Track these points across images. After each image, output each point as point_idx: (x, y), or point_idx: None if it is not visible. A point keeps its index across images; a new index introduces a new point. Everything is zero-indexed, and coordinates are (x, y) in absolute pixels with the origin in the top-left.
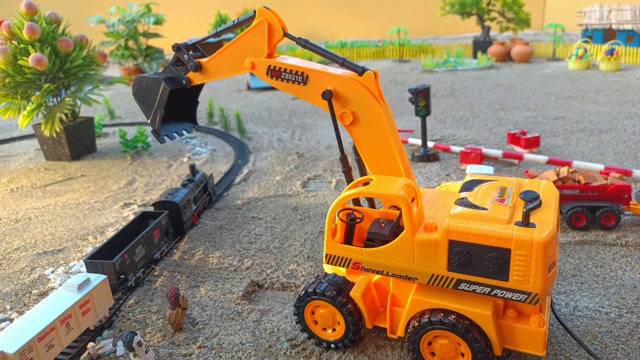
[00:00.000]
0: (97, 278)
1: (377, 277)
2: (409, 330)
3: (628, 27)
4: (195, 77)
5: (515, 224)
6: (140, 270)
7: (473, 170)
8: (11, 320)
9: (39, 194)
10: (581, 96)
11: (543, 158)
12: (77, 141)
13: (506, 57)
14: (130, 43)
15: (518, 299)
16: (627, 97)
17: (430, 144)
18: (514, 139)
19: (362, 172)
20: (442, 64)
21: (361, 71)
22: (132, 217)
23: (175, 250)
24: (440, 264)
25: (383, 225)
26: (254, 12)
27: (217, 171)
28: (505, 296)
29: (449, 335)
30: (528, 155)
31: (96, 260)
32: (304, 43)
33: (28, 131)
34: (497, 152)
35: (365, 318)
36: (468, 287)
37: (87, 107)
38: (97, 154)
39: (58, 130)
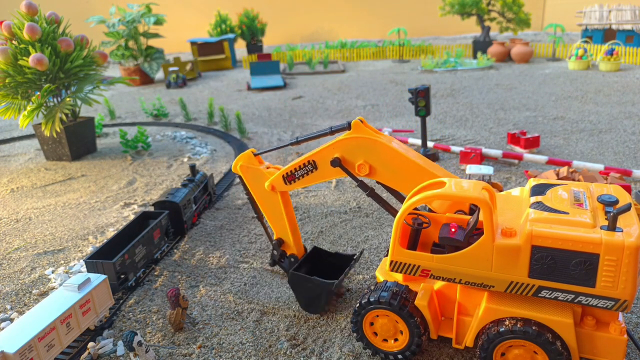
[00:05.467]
0: (97, 278)
1: (438, 285)
2: (482, 339)
3: (628, 27)
4: (288, 249)
5: (600, 228)
6: (141, 270)
7: (473, 171)
8: (11, 320)
9: (40, 194)
10: (581, 96)
11: (543, 158)
12: (78, 141)
13: (506, 57)
14: (131, 43)
15: (604, 306)
16: (627, 97)
17: (430, 144)
18: (513, 139)
19: (387, 188)
20: (442, 64)
21: (348, 126)
22: (132, 217)
23: (175, 250)
24: (520, 271)
25: (453, 230)
26: (239, 176)
27: (217, 171)
28: (591, 303)
29: (525, 344)
30: (528, 155)
31: (96, 260)
32: (296, 140)
33: (28, 131)
34: (497, 152)
35: (430, 328)
36: (550, 295)
37: (88, 107)
38: (98, 154)
39: (58, 130)
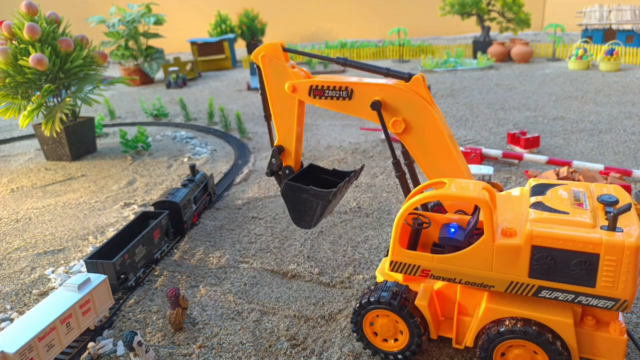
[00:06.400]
0: (97, 278)
1: (438, 285)
2: (482, 339)
3: (628, 27)
4: (286, 159)
5: (601, 228)
6: (141, 270)
7: (473, 171)
8: (11, 320)
9: (40, 194)
10: (581, 96)
11: (543, 158)
12: (78, 141)
13: (506, 57)
14: (131, 43)
15: (604, 306)
16: (627, 97)
17: None
18: (513, 139)
19: (412, 176)
20: (442, 64)
21: (408, 77)
22: (132, 217)
23: (175, 250)
24: (520, 271)
25: (453, 230)
26: (257, 66)
27: (217, 171)
28: (591, 303)
29: (525, 344)
30: (528, 155)
31: (96, 260)
32: (344, 61)
33: (28, 131)
34: (497, 152)
35: (430, 328)
36: (550, 295)
37: (88, 107)
38: (98, 154)
39: (58, 130)
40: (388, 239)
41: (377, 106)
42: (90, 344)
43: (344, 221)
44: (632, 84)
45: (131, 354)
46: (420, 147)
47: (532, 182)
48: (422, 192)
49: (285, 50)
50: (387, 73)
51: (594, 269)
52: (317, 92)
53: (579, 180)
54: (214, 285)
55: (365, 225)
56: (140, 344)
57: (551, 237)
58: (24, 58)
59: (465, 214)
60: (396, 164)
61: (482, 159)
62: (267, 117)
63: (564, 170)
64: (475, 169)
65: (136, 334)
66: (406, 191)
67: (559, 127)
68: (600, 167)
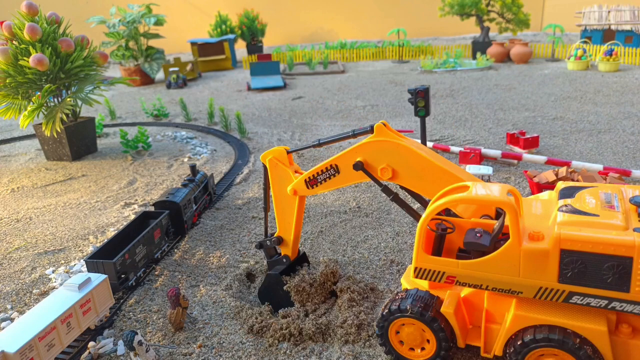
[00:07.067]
0: (97, 277)
1: (465, 291)
2: (511, 348)
3: (627, 27)
4: (284, 249)
5: (634, 230)
6: (141, 270)
7: (472, 171)
8: (12, 320)
9: (40, 194)
10: (580, 96)
11: (542, 158)
12: (78, 141)
13: (505, 57)
14: (131, 44)
15: None
16: (626, 98)
17: (429, 144)
18: (512, 139)
19: (413, 194)
20: (441, 64)
21: (371, 129)
22: (132, 216)
23: (175, 250)
24: (549, 276)
25: (479, 235)
26: (264, 165)
27: (217, 171)
28: (625, 309)
29: (557, 353)
30: (527, 156)
31: (97, 260)
32: (318, 142)
33: (29, 131)
34: (496, 152)
35: (457, 336)
36: (581, 300)
37: (88, 107)
38: (98, 154)
39: (59, 130)
40: (388, 238)
41: (359, 166)
42: (91, 344)
43: (343, 221)
44: (631, 84)
45: (131, 354)
46: (413, 180)
47: (561, 185)
48: (445, 196)
49: (289, 152)
50: (353, 135)
51: (627, 273)
52: (312, 181)
53: (577, 181)
54: (214, 284)
55: (365, 225)
56: (140, 343)
57: (580, 241)
58: (25, 58)
59: (491, 218)
60: (384, 189)
61: (481, 159)
62: (265, 210)
63: (563, 171)
64: (475, 169)
65: (136, 333)
66: (407, 209)
67: (558, 127)
68: (599, 167)
